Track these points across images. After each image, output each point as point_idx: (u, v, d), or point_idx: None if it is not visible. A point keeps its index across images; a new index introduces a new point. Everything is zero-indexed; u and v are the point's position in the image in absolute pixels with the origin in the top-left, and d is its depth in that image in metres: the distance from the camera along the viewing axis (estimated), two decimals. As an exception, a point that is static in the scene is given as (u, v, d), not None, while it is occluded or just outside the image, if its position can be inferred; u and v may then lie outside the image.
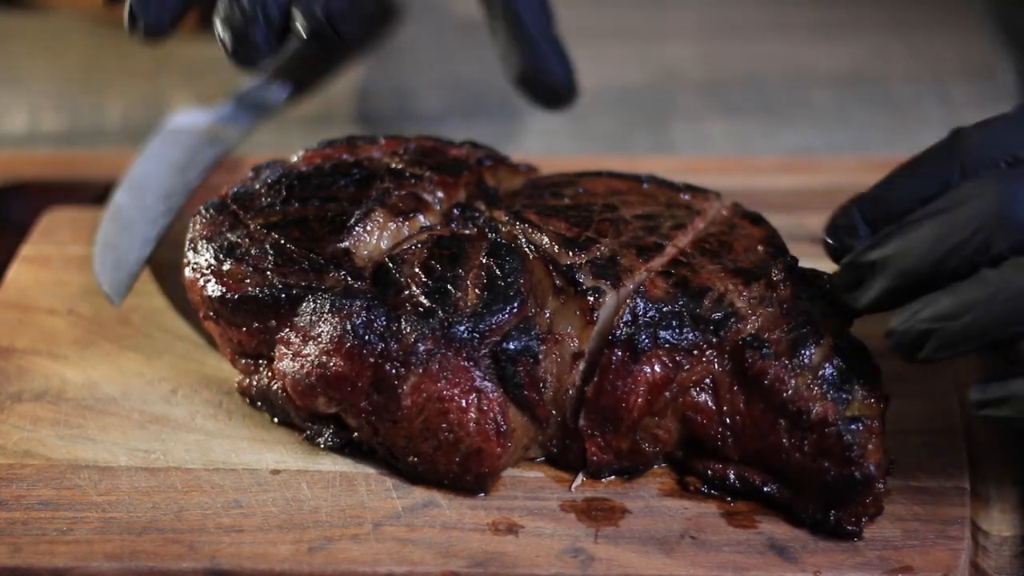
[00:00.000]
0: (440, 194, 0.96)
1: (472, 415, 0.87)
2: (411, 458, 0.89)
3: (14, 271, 1.08)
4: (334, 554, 0.84)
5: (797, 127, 1.39)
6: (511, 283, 0.89)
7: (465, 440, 0.87)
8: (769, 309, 0.88)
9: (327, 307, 0.89)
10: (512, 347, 0.87)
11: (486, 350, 0.87)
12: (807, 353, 0.85)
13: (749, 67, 1.48)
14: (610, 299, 0.88)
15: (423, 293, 0.88)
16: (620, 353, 0.86)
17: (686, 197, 0.96)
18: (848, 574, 0.83)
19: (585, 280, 0.88)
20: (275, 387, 0.92)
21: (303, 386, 0.90)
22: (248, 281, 0.92)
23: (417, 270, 0.90)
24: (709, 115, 1.41)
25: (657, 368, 0.87)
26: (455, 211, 0.95)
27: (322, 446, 0.91)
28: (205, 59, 1.51)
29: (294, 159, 1.01)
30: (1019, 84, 1.44)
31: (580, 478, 0.90)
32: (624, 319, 0.86)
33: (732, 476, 0.87)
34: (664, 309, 0.87)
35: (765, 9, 1.58)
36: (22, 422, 0.94)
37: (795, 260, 0.91)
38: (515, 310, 0.88)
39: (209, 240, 0.95)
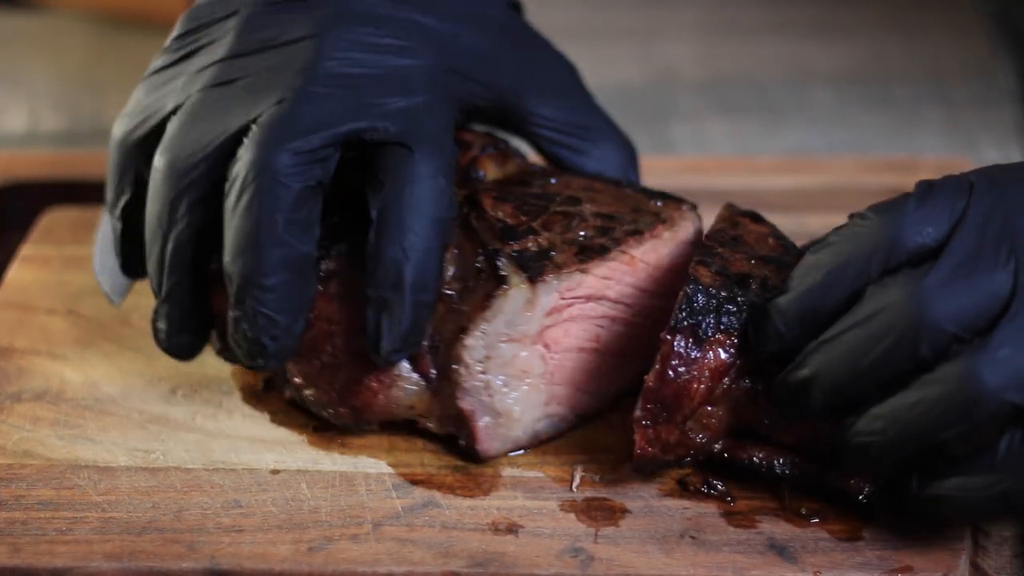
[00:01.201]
0: None
1: (357, 345, 0.88)
2: (297, 379, 0.91)
3: (14, 271, 1.08)
4: (334, 554, 0.84)
5: (797, 127, 1.39)
6: None
7: (345, 367, 0.89)
8: None
9: None
10: None
11: None
12: None
13: (749, 67, 1.48)
14: (519, 291, 0.88)
15: (346, 226, 0.90)
16: (683, 340, 0.86)
17: (658, 204, 0.95)
18: (848, 574, 0.83)
19: (503, 268, 0.89)
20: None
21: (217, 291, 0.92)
22: None
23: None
24: (709, 115, 1.41)
25: (721, 353, 0.86)
26: None
27: (264, 388, 0.95)
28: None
29: None
30: (1019, 84, 1.44)
31: (579, 477, 0.90)
32: (682, 306, 0.86)
33: (780, 462, 0.87)
34: (721, 295, 0.86)
35: (765, 9, 1.58)
36: (22, 422, 0.94)
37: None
38: None
39: None
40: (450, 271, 0.90)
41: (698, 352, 0.86)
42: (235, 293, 0.88)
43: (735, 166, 1.22)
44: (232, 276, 0.88)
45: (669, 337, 0.86)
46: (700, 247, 0.90)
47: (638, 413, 0.86)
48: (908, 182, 1.18)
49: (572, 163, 0.99)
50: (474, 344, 0.88)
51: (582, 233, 0.92)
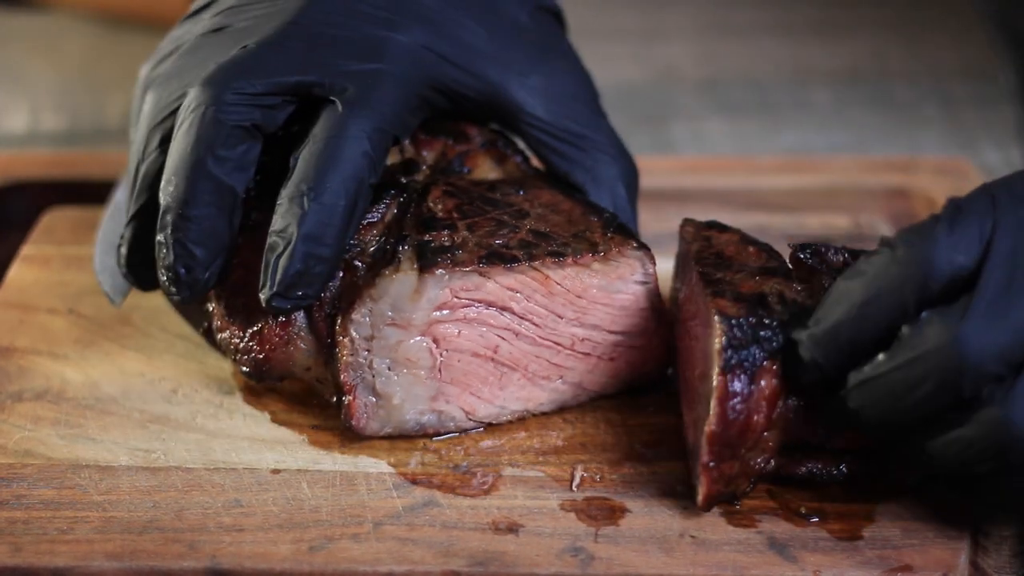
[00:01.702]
0: (418, 143, 0.99)
1: None
2: (217, 322, 0.93)
3: (14, 271, 1.08)
4: (334, 553, 0.84)
5: (797, 127, 1.39)
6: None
7: (255, 316, 0.91)
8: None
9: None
10: None
11: None
12: None
13: (749, 67, 1.48)
14: (406, 276, 0.89)
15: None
16: (735, 378, 0.85)
17: (608, 236, 0.94)
18: (848, 573, 0.83)
19: (401, 253, 0.89)
20: None
21: None
22: None
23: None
24: (709, 115, 1.41)
25: (772, 380, 0.85)
26: (398, 160, 0.98)
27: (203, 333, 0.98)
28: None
29: None
30: (1019, 84, 1.44)
31: (579, 477, 0.90)
32: (725, 346, 0.85)
33: (837, 469, 0.88)
34: (751, 321, 0.86)
35: (765, 9, 1.59)
36: (23, 421, 0.94)
37: (804, 247, 0.91)
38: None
39: None
40: (372, 247, 0.91)
41: (752, 385, 0.85)
42: (160, 218, 0.91)
43: (735, 166, 1.22)
44: (161, 201, 0.91)
45: (721, 378, 0.84)
46: (702, 277, 0.89)
47: (705, 459, 0.85)
48: (908, 182, 1.18)
49: (561, 168, 0.99)
50: (360, 320, 0.89)
51: (500, 241, 0.91)
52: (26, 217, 1.17)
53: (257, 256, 0.91)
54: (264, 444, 0.92)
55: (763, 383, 0.85)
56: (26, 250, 1.11)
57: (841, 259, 0.90)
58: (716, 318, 0.86)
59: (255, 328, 0.92)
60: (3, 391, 0.97)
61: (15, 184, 1.20)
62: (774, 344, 0.85)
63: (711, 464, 0.85)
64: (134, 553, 0.84)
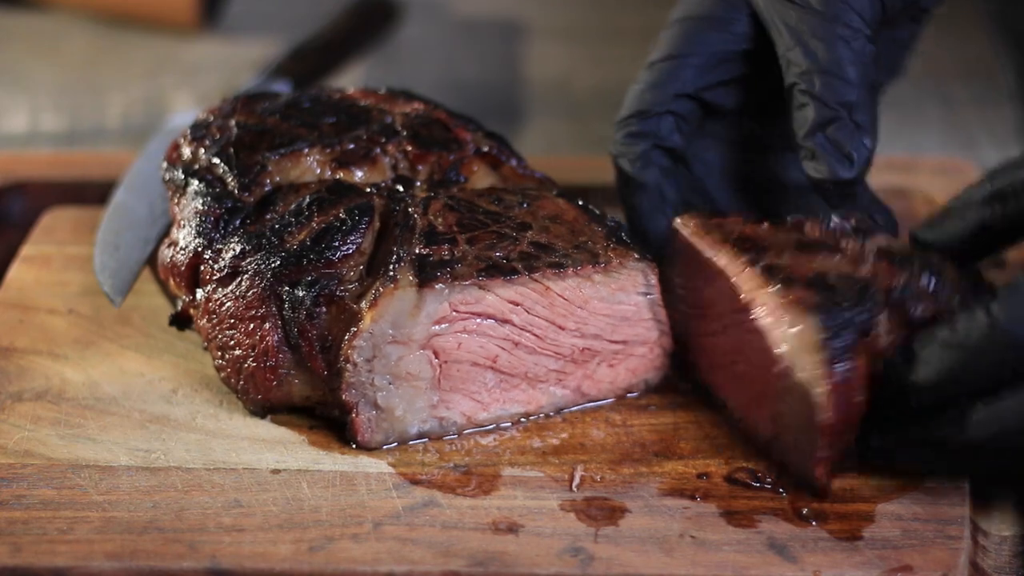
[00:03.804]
0: (411, 159, 1.00)
1: (254, 340, 0.92)
2: (217, 361, 0.95)
3: (14, 271, 1.08)
4: (334, 553, 0.84)
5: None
6: (333, 243, 0.93)
7: (246, 359, 0.93)
8: (873, 261, 0.90)
9: (197, 202, 0.97)
10: (298, 294, 0.91)
11: (284, 288, 0.91)
12: (935, 280, 0.89)
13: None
14: (405, 293, 0.89)
15: (275, 221, 0.94)
16: (839, 368, 0.86)
17: (609, 246, 0.94)
18: (848, 573, 0.83)
19: (397, 270, 0.89)
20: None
21: (160, 264, 1.00)
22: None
23: (290, 202, 0.95)
24: (709, 115, 1.41)
25: (864, 359, 0.87)
26: (391, 177, 0.99)
27: (169, 323, 0.99)
28: (205, 59, 1.51)
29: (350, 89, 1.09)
30: (1019, 84, 1.44)
31: (579, 477, 0.90)
32: (826, 336, 0.86)
33: None
34: (832, 304, 0.87)
35: (765, 9, 1.58)
36: (23, 421, 0.94)
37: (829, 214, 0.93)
38: (319, 263, 0.92)
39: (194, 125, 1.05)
40: (352, 274, 0.92)
41: (852, 368, 0.86)
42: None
43: (735, 166, 1.22)
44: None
45: (830, 369, 0.85)
46: (753, 266, 0.90)
47: (823, 453, 0.87)
48: (908, 182, 1.18)
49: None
50: (362, 344, 0.89)
51: (500, 254, 0.91)
52: (26, 217, 1.17)
53: (241, 304, 0.93)
54: (264, 444, 0.92)
55: (859, 361, 0.86)
56: (26, 250, 1.11)
57: (846, 228, 0.92)
58: (806, 313, 0.86)
59: (250, 374, 0.93)
60: (3, 391, 0.97)
61: (15, 184, 1.20)
62: (856, 324, 0.86)
63: (826, 455, 0.87)
64: (134, 553, 0.84)
